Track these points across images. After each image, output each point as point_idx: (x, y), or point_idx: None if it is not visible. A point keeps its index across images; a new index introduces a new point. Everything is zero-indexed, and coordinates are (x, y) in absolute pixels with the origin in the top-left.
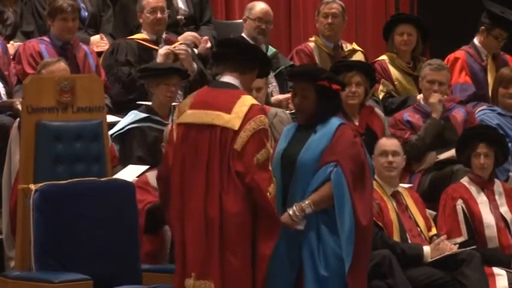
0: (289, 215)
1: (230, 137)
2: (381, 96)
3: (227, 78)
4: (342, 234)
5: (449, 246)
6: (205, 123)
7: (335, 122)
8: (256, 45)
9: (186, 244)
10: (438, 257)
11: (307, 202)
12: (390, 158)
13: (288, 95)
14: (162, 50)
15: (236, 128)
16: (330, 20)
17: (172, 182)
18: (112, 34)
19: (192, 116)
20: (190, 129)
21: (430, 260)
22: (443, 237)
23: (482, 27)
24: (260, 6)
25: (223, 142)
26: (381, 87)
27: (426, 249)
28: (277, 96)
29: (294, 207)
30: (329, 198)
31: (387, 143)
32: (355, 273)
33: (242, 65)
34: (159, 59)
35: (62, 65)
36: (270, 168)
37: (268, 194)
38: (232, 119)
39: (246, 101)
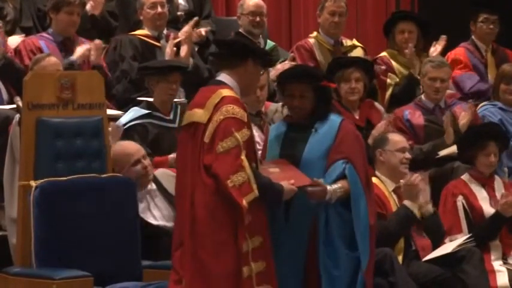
0: (328, 190)
1: (201, 131)
2: (390, 90)
3: (220, 77)
4: (357, 232)
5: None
6: (187, 122)
7: (336, 119)
8: (239, 38)
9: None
10: None
11: (337, 186)
12: (407, 154)
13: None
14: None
15: (205, 121)
16: (337, 19)
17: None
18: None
19: (185, 117)
20: (182, 131)
21: (418, 211)
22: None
23: (471, 21)
24: (251, 0)
25: (197, 137)
26: (388, 80)
27: (407, 203)
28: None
29: (331, 188)
30: None
31: (403, 139)
32: (369, 271)
33: (230, 60)
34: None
35: (53, 59)
36: (242, 157)
37: (229, 181)
38: (203, 112)
39: (220, 93)
